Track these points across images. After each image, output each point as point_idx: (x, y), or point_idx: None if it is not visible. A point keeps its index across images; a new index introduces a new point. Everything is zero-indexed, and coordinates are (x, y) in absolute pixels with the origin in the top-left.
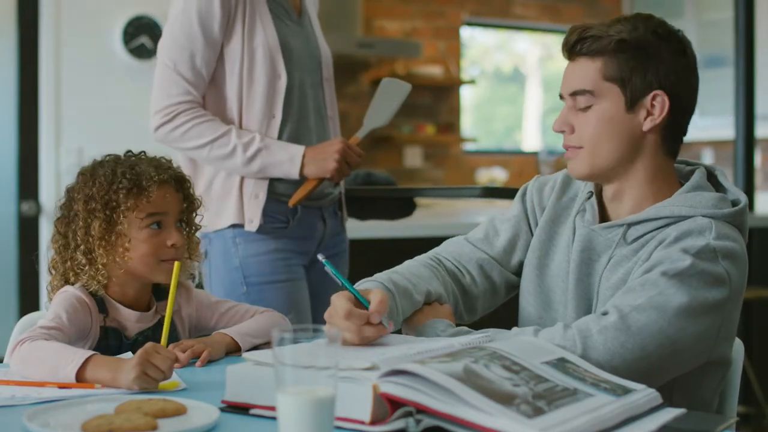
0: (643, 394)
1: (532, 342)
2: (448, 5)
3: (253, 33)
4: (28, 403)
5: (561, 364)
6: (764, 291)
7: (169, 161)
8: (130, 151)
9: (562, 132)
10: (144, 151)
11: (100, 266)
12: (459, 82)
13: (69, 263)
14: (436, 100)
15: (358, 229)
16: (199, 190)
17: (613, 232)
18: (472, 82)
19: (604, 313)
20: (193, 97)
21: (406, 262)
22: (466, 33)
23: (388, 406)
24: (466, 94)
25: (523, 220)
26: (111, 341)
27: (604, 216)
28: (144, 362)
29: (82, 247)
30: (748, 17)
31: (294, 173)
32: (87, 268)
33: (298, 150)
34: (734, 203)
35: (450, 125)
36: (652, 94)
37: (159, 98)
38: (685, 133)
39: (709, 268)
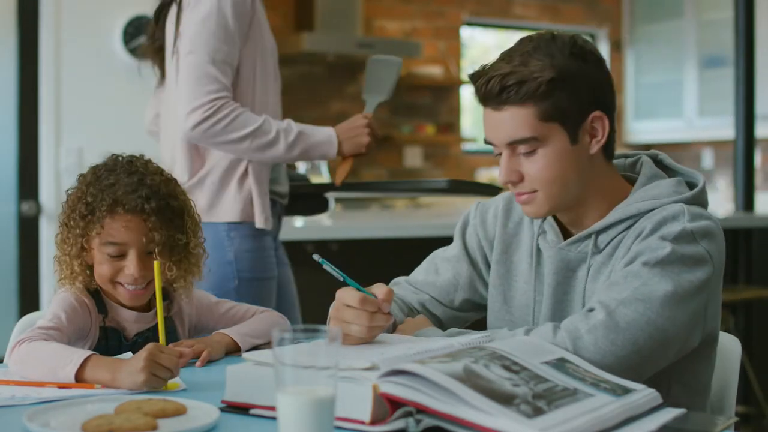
0: (643, 394)
1: (532, 342)
2: (448, 5)
3: (261, 33)
4: (28, 403)
5: (561, 364)
6: (764, 291)
7: (161, 181)
8: (133, 156)
9: (512, 182)
10: (143, 156)
11: (67, 274)
12: (459, 82)
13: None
14: (436, 100)
15: (352, 228)
16: (192, 180)
17: (583, 244)
18: None
19: (590, 310)
20: (228, 92)
21: None
22: (466, 33)
23: (388, 406)
24: (466, 94)
25: (462, 260)
26: (110, 341)
27: (564, 232)
28: (151, 363)
29: (57, 252)
30: (748, 17)
31: (332, 153)
32: (61, 272)
33: (330, 130)
34: (691, 184)
35: (450, 125)
36: (590, 118)
37: (197, 95)
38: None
39: (690, 251)
